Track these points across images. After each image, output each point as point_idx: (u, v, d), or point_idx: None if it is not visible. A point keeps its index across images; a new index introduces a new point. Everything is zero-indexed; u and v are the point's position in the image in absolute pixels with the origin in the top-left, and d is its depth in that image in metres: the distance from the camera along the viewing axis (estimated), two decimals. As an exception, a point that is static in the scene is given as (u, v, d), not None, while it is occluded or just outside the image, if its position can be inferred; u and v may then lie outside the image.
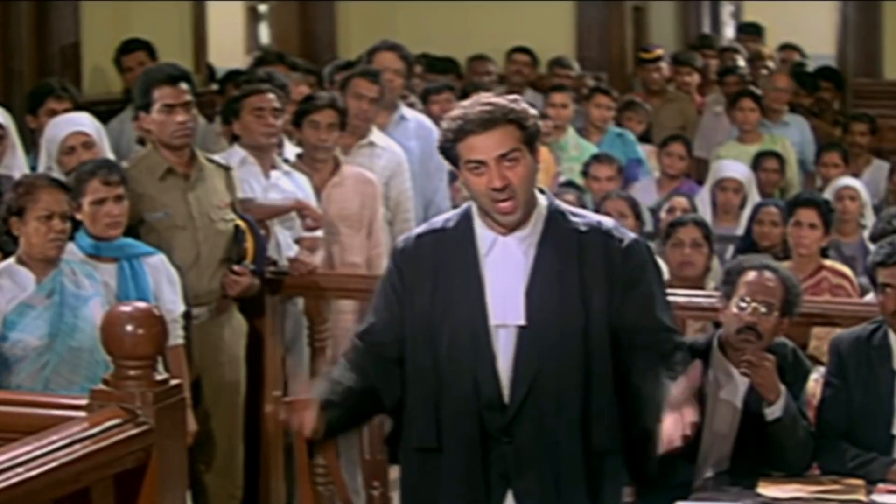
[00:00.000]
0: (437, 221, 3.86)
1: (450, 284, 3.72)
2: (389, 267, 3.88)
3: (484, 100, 3.68)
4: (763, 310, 4.54)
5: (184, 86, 5.39)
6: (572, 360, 3.68)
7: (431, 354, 3.73)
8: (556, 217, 3.74)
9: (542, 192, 3.79)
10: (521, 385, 3.67)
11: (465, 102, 3.72)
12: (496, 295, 3.70)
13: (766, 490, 4.34)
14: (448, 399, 3.72)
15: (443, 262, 3.74)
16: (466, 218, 3.76)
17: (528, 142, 3.65)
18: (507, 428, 3.69)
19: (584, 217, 3.80)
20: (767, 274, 4.61)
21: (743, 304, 4.55)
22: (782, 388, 4.45)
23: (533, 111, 3.71)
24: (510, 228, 3.69)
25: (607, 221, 3.82)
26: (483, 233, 3.73)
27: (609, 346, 3.71)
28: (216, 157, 5.71)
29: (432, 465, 3.77)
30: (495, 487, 3.72)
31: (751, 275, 4.61)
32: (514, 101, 3.69)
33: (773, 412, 4.45)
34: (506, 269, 3.70)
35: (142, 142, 6.30)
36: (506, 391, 3.69)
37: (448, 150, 3.68)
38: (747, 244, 6.80)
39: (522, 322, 3.68)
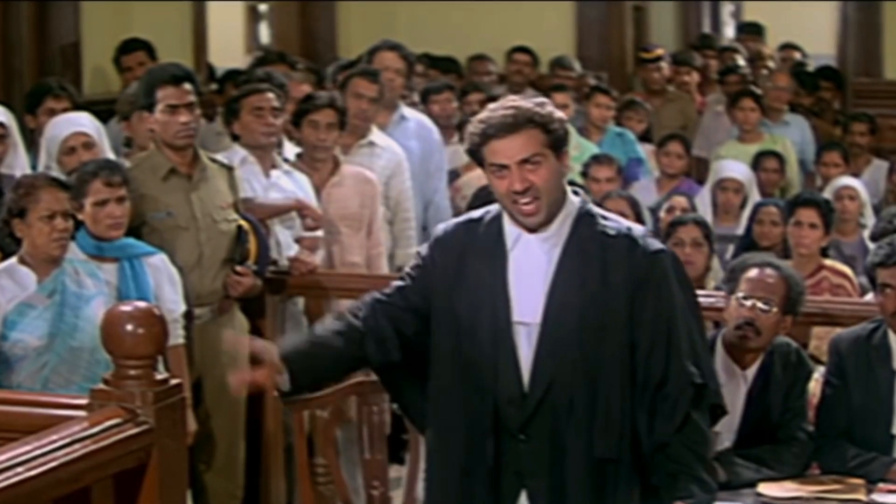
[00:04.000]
0: (477, 213, 3.87)
1: (474, 270, 3.74)
2: (425, 249, 3.89)
3: (509, 103, 3.69)
4: (762, 306, 4.54)
5: (187, 86, 5.39)
6: (588, 363, 3.67)
7: (453, 338, 3.75)
8: (584, 219, 3.73)
9: (576, 193, 3.79)
10: (540, 382, 3.68)
11: (493, 105, 3.73)
12: (515, 291, 3.71)
13: (767, 489, 4.34)
14: (467, 387, 3.73)
15: (469, 247, 3.76)
16: (499, 213, 3.78)
17: (552, 146, 3.66)
18: (524, 425, 3.69)
19: (615, 222, 3.78)
20: (769, 271, 4.62)
21: (743, 301, 4.56)
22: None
23: (559, 114, 3.71)
24: (533, 229, 3.70)
25: (638, 229, 3.79)
26: (509, 228, 3.75)
27: (627, 353, 3.69)
28: (219, 157, 5.71)
29: (450, 452, 3.79)
30: (509, 486, 3.73)
31: (752, 272, 4.62)
32: (541, 104, 3.70)
33: None
34: (526, 266, 3.71)
35: (128, 143, 6.30)
36: (526, 386, 3.69)
37: (475, 153, 3.71)
38: (747, 244, 6.80)
39: (538, 320, 3.68)
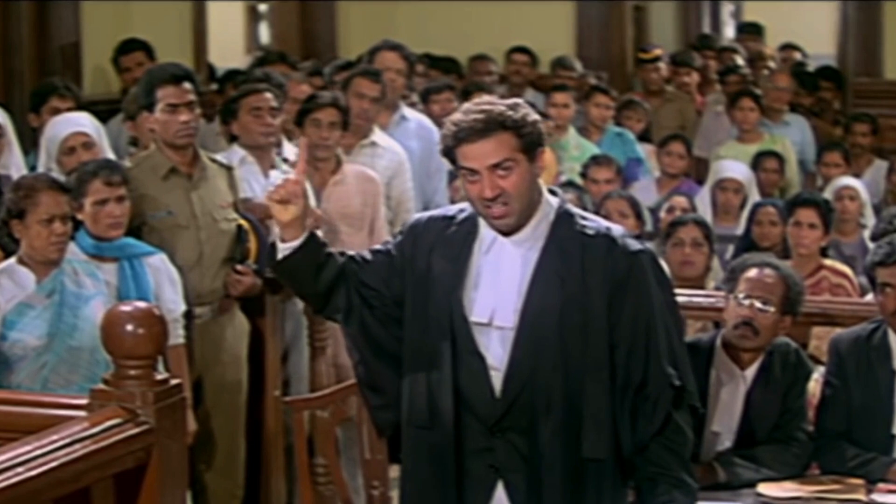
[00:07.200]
0: (452, 209, 3.84)
1: (439, 267, 3.71)
2: (399, 236, 3.85)
3: (481, 106, 3.62)
4: (760, 305, 4.54)
5: (187, 85, 5.39)
6: (569, 365, 3.65)
7: (420, 328, 3.73)
8: (563, 220, 3.70)
9: (553, 193, 3.76)
10: (515, 385, 3.65)
11: (466, 105, 3.67)
12: (487, 294, 3.68)
13: (766, 490, 4.34)
14: (436, 381, 3.70)
15: (438, 244, 3.73)
16: (475, 213, 3.75)
17: (525, 149, 3.60)
18: (496, 423, 3.67)
19: (594, 222, 3.75)
20: (767, 271, 4.62)
21: (742, 300, 4.56)
22: None
23: (533, 117, 3.64)
24: (506, 233, 3.68)
25: (617, 229, 3.76)
26: (485, 231, 3.72)
27: (608, 354, 3.67)
28: (218, 157, 5.71)
29: (424, 443, 3.76)
30: (484, 477, 3.70)
31: (751, 272, 4.62)
32: (513, 106, 3.63)
33: None
34: (500, 269, 3.69)
35: (134, 142, 6.31)
36: (497, 387, 3.66)
37: (448, 154, 3.67)
38: (747, 244, 6.80)
39: (510, 325, 3.65)
